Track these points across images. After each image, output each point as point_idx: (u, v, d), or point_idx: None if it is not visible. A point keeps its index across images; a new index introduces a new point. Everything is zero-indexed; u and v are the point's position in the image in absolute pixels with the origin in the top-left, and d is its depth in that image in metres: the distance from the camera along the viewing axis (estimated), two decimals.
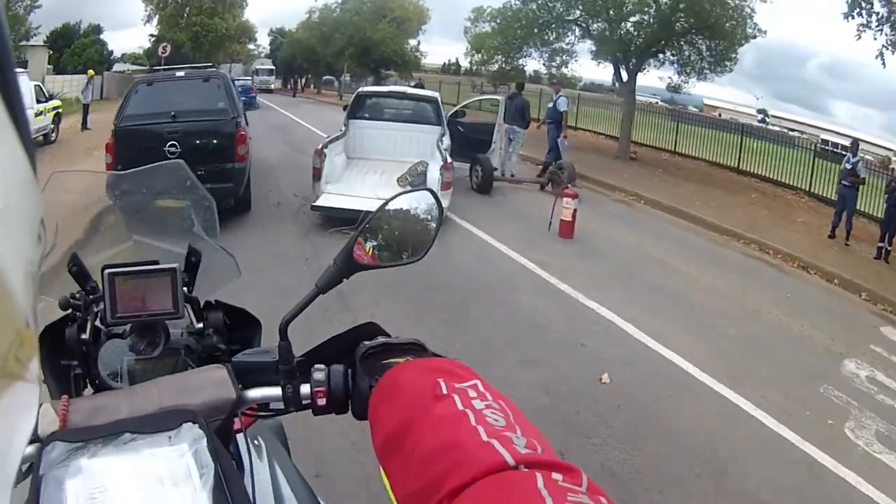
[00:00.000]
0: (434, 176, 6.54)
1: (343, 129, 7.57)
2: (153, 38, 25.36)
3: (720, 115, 17.06)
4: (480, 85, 28.77)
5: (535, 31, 13.83)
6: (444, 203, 5.50)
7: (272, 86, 28.66)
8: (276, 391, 0.69)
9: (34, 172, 0.28)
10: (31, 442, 0.65)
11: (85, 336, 0.80)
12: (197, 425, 0.57)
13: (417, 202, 0.73)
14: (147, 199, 1.07)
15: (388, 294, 4.39)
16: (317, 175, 6.35)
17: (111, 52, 26.61)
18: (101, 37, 26.29)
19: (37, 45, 21.82)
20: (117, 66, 26.87)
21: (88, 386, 0.81)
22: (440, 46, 30.72)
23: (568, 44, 14.17)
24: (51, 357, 0.82)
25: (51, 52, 22.85)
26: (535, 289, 5.06)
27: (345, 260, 0.69)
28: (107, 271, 0.75)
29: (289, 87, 32.91)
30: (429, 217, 0.73)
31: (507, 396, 0.52)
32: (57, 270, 0.85)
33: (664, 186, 9.98)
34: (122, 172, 1.13)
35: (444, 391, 0.51)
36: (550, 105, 9.63)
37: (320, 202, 6.26)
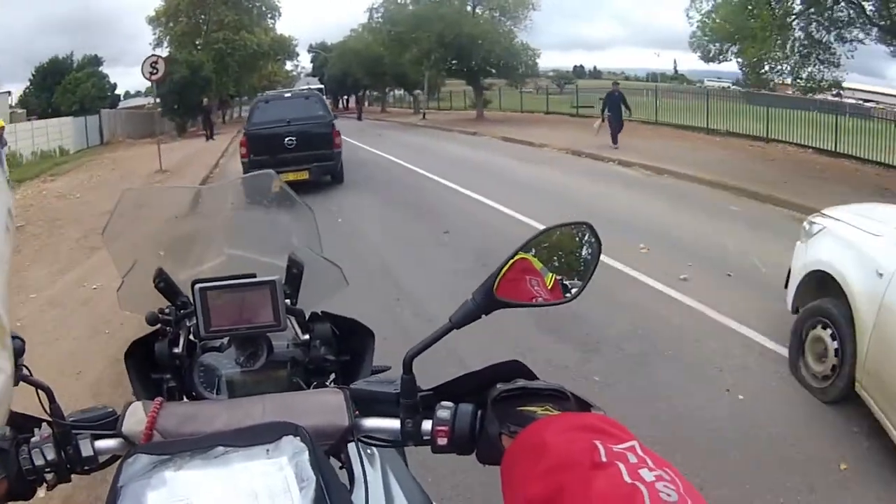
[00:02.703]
0: None
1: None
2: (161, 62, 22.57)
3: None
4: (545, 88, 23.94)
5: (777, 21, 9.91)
6: None
7: None
8: (395, 424, 0.67)
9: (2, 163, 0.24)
10: (111, 437, 0.65)
11: (178, 350, 0.81)
12: (298, 438, 0.54)
13: (573, 235, 0.69)
14: (238, 211, 1.05)
15: None
16: None
17: (114, 85, 23.47)
18: (101, 69, 22.65)
19: None
20: (128, 102, 24.18)
21: (184, 398, 0.81)
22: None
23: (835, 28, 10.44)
24: (140, 371, 0.82)
25: (24, 93, 18.61)
26: None
27: (485, 295, 0.65)
28: (197, 286, 0.76)
29: (339, 106, 28.40)
30: (588, 253, 0.68)
31: (664, 458, 0.46)
32: (142, 287, 0.86)
33: None
34: (208, 186, 1.17)
35: (604, 458, 0.45)
36: None
37: None
